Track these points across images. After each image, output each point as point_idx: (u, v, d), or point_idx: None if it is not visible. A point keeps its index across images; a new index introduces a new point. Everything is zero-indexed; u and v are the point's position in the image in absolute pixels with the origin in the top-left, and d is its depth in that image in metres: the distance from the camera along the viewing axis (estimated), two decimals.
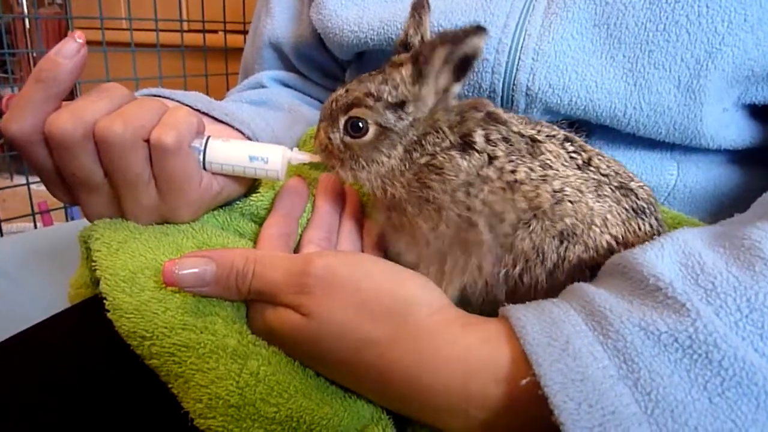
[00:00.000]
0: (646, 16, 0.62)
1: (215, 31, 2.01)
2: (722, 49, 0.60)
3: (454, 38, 0.51)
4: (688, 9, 0.60)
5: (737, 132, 0.67)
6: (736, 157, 0.70)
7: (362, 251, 0.62)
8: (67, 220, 1.87)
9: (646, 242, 0.46)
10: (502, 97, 0.69)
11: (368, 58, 0.86)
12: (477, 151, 0.53)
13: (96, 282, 0.56)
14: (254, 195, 0.66)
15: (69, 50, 0.53)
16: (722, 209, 0.69)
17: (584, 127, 0.69)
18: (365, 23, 0.76)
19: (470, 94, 0.71)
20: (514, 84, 0.67)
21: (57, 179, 0.58)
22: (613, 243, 0.51)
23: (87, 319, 0.61)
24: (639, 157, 0.69)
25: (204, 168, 0.60)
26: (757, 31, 0.59)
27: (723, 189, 0.69)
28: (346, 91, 0.56)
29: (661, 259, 0.43)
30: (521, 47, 0.66)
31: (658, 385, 0.37)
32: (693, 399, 0.37)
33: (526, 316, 0.44)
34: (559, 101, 0.66)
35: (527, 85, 0.66)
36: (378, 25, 0.74)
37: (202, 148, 0.59)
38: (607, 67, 0.64)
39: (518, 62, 0.66)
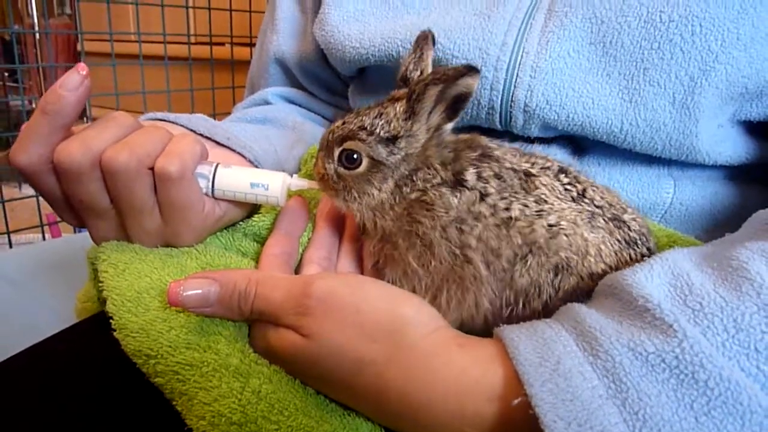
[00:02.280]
0: (641, 34, 0.63)
1: (222, 44, 2.03)
2: (716, 66, 0.61)
3: (447, 77, 0.52)
4: (682, 28, 0.61)
5: (732, 148, 0.68)
6: (732, 174, 0.71)
7: (361, 271, 0.63)
8: (75, 232, 1.88)
9: (636, 264, 0.47)
10: (500, 113, 0.70)
11: (370, 74, 0.87)
12: (468, 188, 0.53)
13: (103, 301, 0.57)
14: (256, 216, 0.68)
15: (72, 83, 0.54)
16: (718, 227, 0.70)
17: (581, 142, 0.70)
18: (366, 39, 0.77)
19: (470, 110, 0.72)
20: (512, 101, 0.68)
21: (65, 204, 0.60)
22: (609, 271, 0.52)
23: (93, 337, 0.62)
24: (636, 174, 0.70)
25: (213, 195, 0.62)
26: (749, 49, 0.60)
27: (719, 206, 0.70)
28: (343, 123, 0.58)
29: (650, 280, 0.44)
30: (519, 65, 0.67)
31: (645, 404, 0.38)
32: (680, 418, 0.38)
33: (519, 337, 0.44)
34: (556, 117, 0.67)
35: (525, 102, 0.67)
36: (379, 41, 0.76)
37: (211, 176, 0.61)
38: (603, 84, 0.65)
39: (516, 79, 0.67)
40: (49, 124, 0.54)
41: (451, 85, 0.52)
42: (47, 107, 0.54)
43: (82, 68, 0.55)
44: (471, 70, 0.51)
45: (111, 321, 0.54)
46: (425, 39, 0.62)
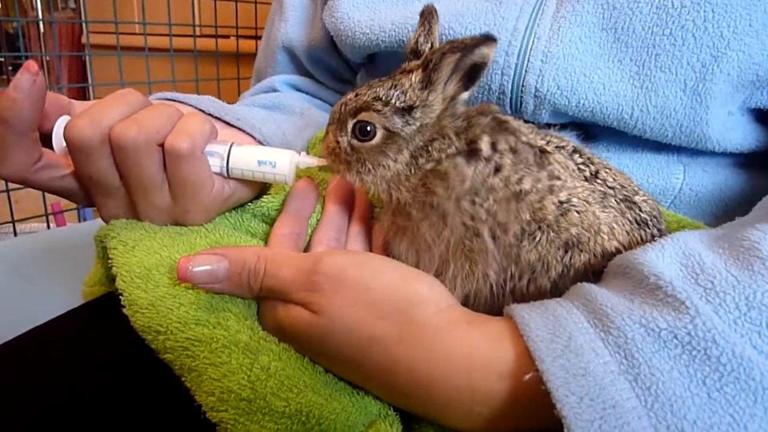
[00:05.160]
0: (652, 20, 0.62)
1: (227, 36, 2.03)
2: (728, 53, 0.60)
3: (464, 47, 0.51)
4: (694, 14, 0.60)
5: (743, 135, 0.67)
6: (742, 161, 0.71)
7: (371, 252, 0.63)
8: (79, 221, 1.89)
9: (648, 244, 0.47)
10: (511, 98, 0.70)
11: (380, 61, 0.87)
12: (483, 159, 0.53)
13: (111, 279, 0.57)
14: (265, 196, 0.68)
15: (24, 83, 0.53)
16: (727, 213, 0.69)
17: (592, 129, 0.70)
18: (377, 25, 0.77)
19: (480, 95, 0.71)
20: (523, 86, 0.68)
21: (68, 191, 0.60)
22: (622, 249, 0.52)
23: (102, 314, 0.63)
24: (646, 160, 0.70)
25: (228, 174, 0.62)
26: (761, 36, 0.60)
27: (728, 193, 0.70)
28: (356, 95, 0.57)
29: (661, 259, 0.44)
30: (530, 50, 0.67)
31: (657, 380, 0.38)
32: (692, 394, 0.38)
33: (529, 314, 0.44)
34: (567, 103, 0.67)
35: (536, 87, 0.67)
36: (389, 27, 0.75)
37: (226, 154, 0.61)
38: (614, 70, 0.65)
39: (527, 64, 0.67)
40: (11, 131, 0.53)
41: (468, 54, 0.52)
42: (4, 114, 0.53)
43: (30, 65, 0.53)
44: (489, 39, 0.51)
45: (120, 297, 0.54)
46: (431, 13, 0.62)
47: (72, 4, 3.42)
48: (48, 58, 2.66)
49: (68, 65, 2.94)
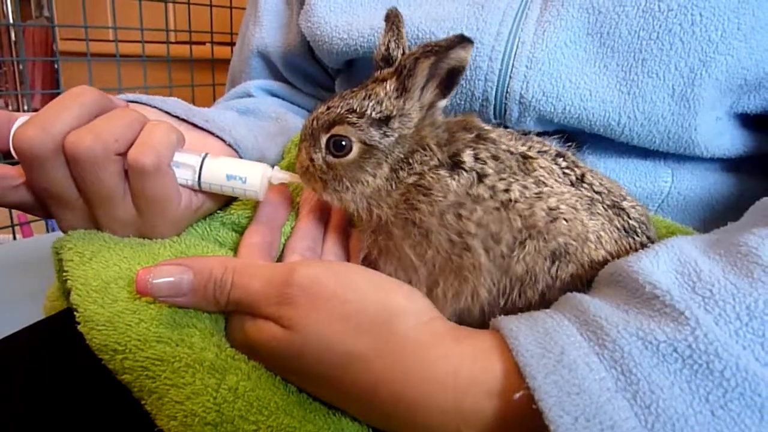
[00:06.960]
0: (639, 24, 0.61)
1: (202, 43, 2.00)
2: (716, 57, 0.59)
3: (438, 49, 0.49)
4: (682, 17, 0.59)
5: (730, 141, 0.66)
6: (731, 165, 0.69)
7: (348, 262, 0.60)
8: (47, 232, 1.84)
9: (640, 251, 0.45)
10: (495, 105, 0.68)
11: (358, 66, 0.84)
12: (465, 170, 0.51)
13: (68, 293, 0.53)
14: (235, 204, 0.64)
15: None
16: (716, 217, 0.68)
17: (577, 136, 0.68)
18: (355, 30, 0.75)
19: (463, 102, 0.69)
20: (507, 92, 0.66)
21: (28, 197, 0.56)
22: (609, 258, 0.50)
23: (59, 332, 0.59)
24: (633, 164, 0.68)
25: (200, 187, 0.58)
26: (749, 39, 0.59)
27: (717, 197, 0.68)
28: (327, 108, 0.54)
29: (656, 266, 0.42)
30: (514, 55, 0.65)
31: (657, 397, 0.36)
32: (695, 412, 0.35)
33: (518, 327, 0.42)
34: (552, 110, 0.65)
35: (521, 93, 0.65)
36: (368, 32, 0.73)
37: (198, 167, 0.58)
38: (600, 75, 0.64)
39: (512, 70, 0.65)
40: None
41: (443, 57, 0.50)
42: None
43: None
44: (463, 40, 0.49)
45: (75, 313, 0.50)
46: (396, 16, 0.59)
47: (47, 12, 3.40)
48: (21, 67, 2.62)
49: (42, 73, 2.90)
